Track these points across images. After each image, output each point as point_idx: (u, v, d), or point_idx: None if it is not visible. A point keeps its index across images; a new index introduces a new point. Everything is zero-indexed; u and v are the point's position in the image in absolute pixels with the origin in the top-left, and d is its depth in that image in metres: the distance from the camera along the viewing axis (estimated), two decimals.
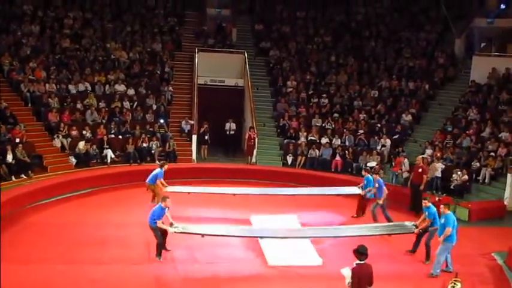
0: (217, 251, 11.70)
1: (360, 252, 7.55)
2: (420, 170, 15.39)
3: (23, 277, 9.72)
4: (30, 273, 9.96)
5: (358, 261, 7.54)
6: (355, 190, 15.01)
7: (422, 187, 15.37)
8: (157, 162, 18.81)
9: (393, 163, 18.66)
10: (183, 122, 21.19)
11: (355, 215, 14.76)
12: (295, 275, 10.73)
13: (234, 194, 14.96)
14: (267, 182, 17.95)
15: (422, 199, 11.78)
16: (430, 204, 11.36)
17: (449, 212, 10.74)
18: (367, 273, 7.55)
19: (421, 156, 16.57)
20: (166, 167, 14.77)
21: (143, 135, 19.55)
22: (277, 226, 12.81)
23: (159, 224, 10.61)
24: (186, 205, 14.95)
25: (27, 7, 23.54)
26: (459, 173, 17.33)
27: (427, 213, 11.28)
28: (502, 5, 24.79)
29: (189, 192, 14.79)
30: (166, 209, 10.80)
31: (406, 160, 17.92)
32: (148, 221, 10.79)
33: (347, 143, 20.39)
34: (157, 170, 14.55)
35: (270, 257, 11.28)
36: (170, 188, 14.88)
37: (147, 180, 14.48)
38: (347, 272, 7.58)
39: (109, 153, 18.67)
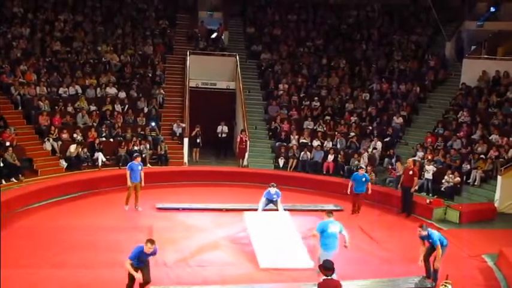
0: (209, 255, 11.67)
1: (326, 268, 7.44)
2: (411, 172, 15.42)
3: (13, 281, 9.63)
4: (20, 278, 9.88)
5: (324, 277, 7.42)
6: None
7: (413, 190, 15.44)
8: (148, 165, 18.84)
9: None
10: (175, 125, 21.15)
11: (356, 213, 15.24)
12: (287, 278, 10.72)
13: (226, 210, 15.00)
14: (259, 184, 17.92)
15: (418, 228, 10.45)
16: (426, 231, 10.27)
17: (329, 218, 10.06)
18: None
19: (412, 159, 16.61)
20: (139, 159, 14.86)
21: (134, 139, 19.47)
22: (271, 223, 12.76)
23: (127, 264, 8.98)
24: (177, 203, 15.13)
25: (17, 9, 23.42)
26: (451, 175, 17.41)
27: (430, 240, 10.25)
28: (491, 8, 24.98)
29: (178, 209, 14.84)
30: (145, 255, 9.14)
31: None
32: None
33: (338, 146, 20.43)
34: (135, 165, 14.51)
35: (262, 260, 11.26)
36: (160, 205, 14.89)
37: (135, 179, 14.41)
38: None
39: (100, 157, 18.61)
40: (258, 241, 11.97)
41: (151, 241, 9.18)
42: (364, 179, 15.06)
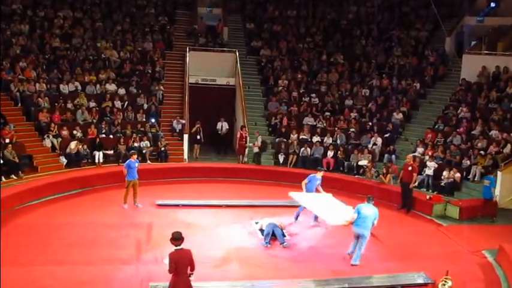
0: (209, 251, 11.66)
1: (175, 238, 7.67)
2: (410, 168, 15.42)
3: (12, 279, 9.63)
4: (19, 275, 9.87)
5: (175, 248, 7.65)
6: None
7: (412, 185, 15.44)
8: (148, 162, 18.84)
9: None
10: (175, 122, 21.13)
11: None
12: (285, 274, 10.71)
13: (226, 206, 14.98)
14: (259, 181, 17.96)
15: None
16: None
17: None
18: (185, 258, 7.70)
19: (411, 155, 16.63)
20: (135, 156, 14.75)
21: (134, 135, 19.47)
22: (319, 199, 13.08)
23: None
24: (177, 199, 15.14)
25: (16, 6, 23.40)
26: (451, 171, 17.38)
27: None
28: (491, 4, 24.92)
29: (178, 205, 14.85)
30: None
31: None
32: None
33: (338, 142, 20.41)
34: (132, 162, 14.41)
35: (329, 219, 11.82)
36: (160, 201, 14.89)
37: (132, 177, 14.33)
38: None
39: (100, 153, 18.57)
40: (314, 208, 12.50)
41: None
42: None
